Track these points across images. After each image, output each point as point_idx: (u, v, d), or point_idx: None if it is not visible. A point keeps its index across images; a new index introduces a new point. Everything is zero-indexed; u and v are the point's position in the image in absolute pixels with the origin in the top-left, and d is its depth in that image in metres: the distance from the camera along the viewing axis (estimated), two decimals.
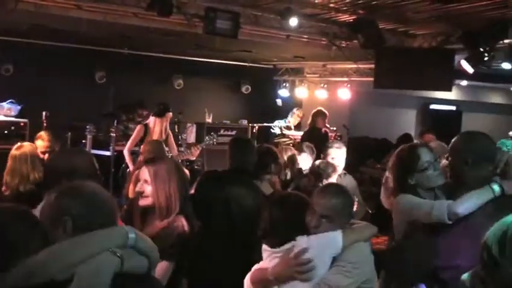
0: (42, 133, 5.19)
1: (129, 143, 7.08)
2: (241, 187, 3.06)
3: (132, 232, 1.89)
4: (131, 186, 4.32)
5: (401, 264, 2.80)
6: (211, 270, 2.83)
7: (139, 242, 1.90)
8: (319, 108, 8.79)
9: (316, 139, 7.50)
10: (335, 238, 2.53)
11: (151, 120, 7.14)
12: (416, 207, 2.79)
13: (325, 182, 4.40)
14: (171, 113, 7.34)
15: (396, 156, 3.05)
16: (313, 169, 4.73)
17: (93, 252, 1.80)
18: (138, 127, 7.26)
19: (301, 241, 2.54)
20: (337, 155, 5.02)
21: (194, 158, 7.75)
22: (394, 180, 3.02)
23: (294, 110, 10.41)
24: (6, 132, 7.75)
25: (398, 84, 7.85)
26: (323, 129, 8.48)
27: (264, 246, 2.64)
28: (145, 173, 3.06)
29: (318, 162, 4.85)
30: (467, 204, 2.66)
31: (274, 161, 4.35)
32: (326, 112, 8.56)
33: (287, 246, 2.55)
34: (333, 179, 4.62)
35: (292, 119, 10.19)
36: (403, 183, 2.91)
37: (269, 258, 2.60)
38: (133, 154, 6.95)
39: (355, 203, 4.32)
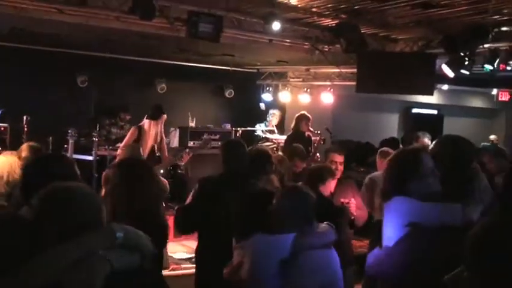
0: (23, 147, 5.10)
1: (122, 145, 6.76)
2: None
3: (120, 231, 1.89)
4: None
5: None
6: None
7: (128, 239, 1.90)
8: (303, 112, 8.81)
9: (299, 143, 7.51)
10: (285, 241, 2.52)
11: (146, 123, 6.99)
12: (421, 210, 2.68)
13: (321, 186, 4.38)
14: (165, 115, 7.21)
15: (397, 159, 2.90)
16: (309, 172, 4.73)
17: (81, 257, 1.80)
18: (132, 129, 7.09)
19: (248, 241, 2.56)
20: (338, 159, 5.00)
21: (183, 163, 7.71)
22: (389, 183, 2.85)
23: (270, 111, 10.44)
24: None
25: (381, 88, 7.91)
26: (306, 133, 8.50)
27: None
28: None
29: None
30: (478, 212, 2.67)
31: (269, 160, 4.36)
32: (309, 116, 8.58)
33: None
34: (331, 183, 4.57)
35: (274, 119, 10.21)
36: (400, 187, 2.75)
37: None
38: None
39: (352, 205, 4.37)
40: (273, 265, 2.56)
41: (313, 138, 8.58)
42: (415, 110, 14.18)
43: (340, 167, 4.90)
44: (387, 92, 8.94)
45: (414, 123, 13.82)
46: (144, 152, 6.37)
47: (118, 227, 1.93)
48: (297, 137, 8.24)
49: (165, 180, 5.48)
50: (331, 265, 2.79)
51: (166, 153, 7.24)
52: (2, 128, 7.91)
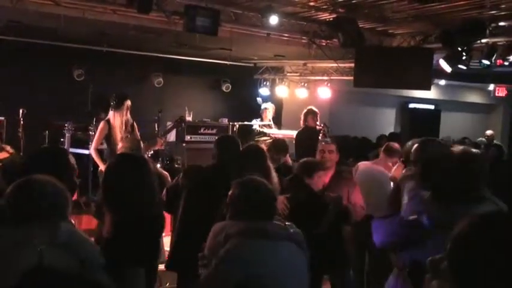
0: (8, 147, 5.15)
1: (94, 141, 6.67)
2: None
3: (66, 232, 1.93)
4: None
5: None
6: None
7: (71, 243, 1.92)
8: (309, 107, 8.78)
9: (310, 138, 7.52)
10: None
11: (111, 114, 6.61)
12: None
13: (308, 179, 4.36)
14: (129, 101, 6.90)
15: (466, 161, 2.79)
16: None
17: (15, 243, 1.86)
18: (101, 124, 6.72)
19: None
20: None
21: (161, 148, 7.59)
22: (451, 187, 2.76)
23: (262, 106, 10.36)
24: None
25: (378, 83, 7.91)
26: (317, 128, 8.45)
27: None
28: None
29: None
30: None
31: (261, 156, 4.34)
32: (316, 110, 8.54)
33: None
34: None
35: (268, 113, 10.14)
36: (471, 192, 2.69)
37: None
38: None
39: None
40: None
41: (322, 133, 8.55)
42: (412, 105, 14.19)
43: (330, 156, 4.74)
44: (384, 86, 8.95)
45: (411, 118, 13.84)
46: (117, 143, 6.16)
47: (66, 228, 1.95)
48: (307, 133, 8.23)
49: (165, 172, 5.48)
50: (277, 258, 2.75)
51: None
52: None
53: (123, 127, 6.58)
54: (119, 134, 6.48)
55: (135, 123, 6.80)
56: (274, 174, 4.08)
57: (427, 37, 7.40)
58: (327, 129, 9.08)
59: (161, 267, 4.18)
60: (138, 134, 6.88)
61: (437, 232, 2.51)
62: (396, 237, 2.90)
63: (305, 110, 8.71)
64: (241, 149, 4.32)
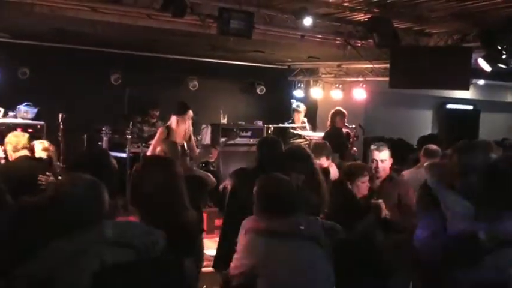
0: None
1: (151, 146, 6.84)
2: None
3: (109, 228, 2.00)
4: None
5: None
6: None
7: (119, 236, 2.00)
8: (337, 108, 8.73)
9: (337, 139, 7.47)
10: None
11: (173, 120, 6.83)
12: None
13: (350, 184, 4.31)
14: (191, 111, 7.13)
15: None
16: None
17: (72, 253, 1.93)
18: (160, 130, 7.00)
19: None
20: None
21: (213, 160, 7.72)
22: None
23: (293, 106, 10.29)
24: None
25: (414, 83, 7.77)
26: (344, 129, 8.38)
27: None
28: None
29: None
30: None
31: (300, 158, 4.31)
32: (344, 111, 8.48)
33: None
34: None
35: (299, 115, 10.08)
36: None
37: None
38: None
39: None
40: None
41: (351, 134, 8.49)
42: (449, 106, 13.92)
43: (382, 165, 4.58)
44: (421, 87, 8.80)
45: (449, 119, 13.58)
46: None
47: (108, 224, 2.02)
48: (334, 134, 8.18)
49: (207, 173, 5.52)
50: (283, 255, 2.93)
51: (196, 151, 7.22)
52: (38, 126, 8.08)
53: (184, 135, 6.76)
54: (178, 140, 6.58)
55: (192, 134, 7.00)
56: (321, 177, 4.01)
57: (465, 36, 7.24)
58: (362, 131, 9.01)
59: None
60: (194, 144, 7.02)
61: (495, 246, 2.45)
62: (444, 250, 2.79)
63: (332, 111, 8.66)
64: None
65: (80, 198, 2.13)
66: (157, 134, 6.93)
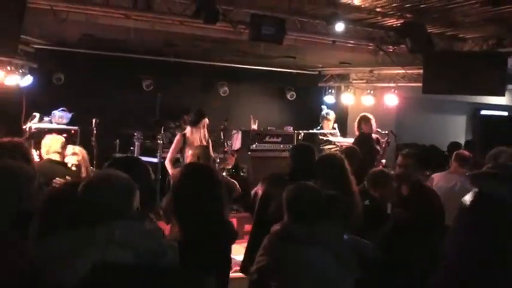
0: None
1: (169, 153, 7.07)
2: None
3: (121, 228, 2.05)
4: None
5: None
6: None
7: (126, 237, 2.04)
8: (362, 113, 8.64)
9: (365, 145, 7.39)
10: None
11: (188, 129, 7.10)
12: None
13: (373, 190, 4.27)
14: (206, 119, 7.23)
15: None
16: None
17: (74, 246, 2.02)
18: (177, 136, 7.23)
19: None
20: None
21: (230, 167, 7.76)
22: None
23: (323, 113, 10.22)
24: None
25: (448, 89, 7.65)
26: (373, 135, 8.26)
27: None
28: None
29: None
30: None
31: (326, 164, 4.28)
32: (369, 116, 8.36)
33: None
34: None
35: (328, 122, 10.02)
36: None
37: None
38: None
39: None
40: None
41: (381, 140, 8.37)
42: (484, 112, 13.65)
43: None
44: (455, 92, 8.64)
45: (483, 126, 13.31)
46: (187, 158, 6.45)
47: (120, 225, 2.07)
48: (362, 140, 8.08)
49: (233, 180, 5.56)
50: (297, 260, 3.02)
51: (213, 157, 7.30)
52: (73, 131, 8.22)
53: (199, 143, 6.85)
54: (192, 148, 6.69)
55: (210, 141, 7.06)
56: (354, 186, 3.96)
57: (500, 41, 7.11)
58: (394, 137, 8.89)
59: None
60: (211, 150, 7.09)
61: None
62: None
63: (358, 117, 8.57)
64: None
65: (110, 193, 2.17)
66: (175, 141, 7.13)
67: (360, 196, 4.16)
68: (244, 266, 4.21)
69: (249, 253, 4.21)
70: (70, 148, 5.41)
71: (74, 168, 5.16)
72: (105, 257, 2.00)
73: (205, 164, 4.25)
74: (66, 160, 5.24)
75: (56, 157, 5.22)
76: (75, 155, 5.31)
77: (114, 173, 2.33)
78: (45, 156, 5.25)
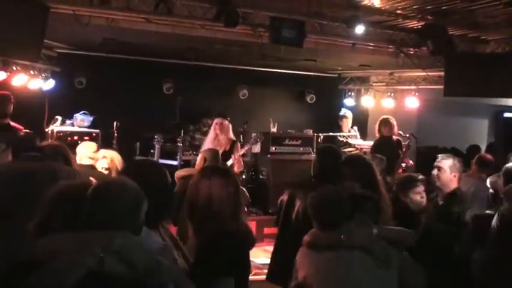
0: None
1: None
2: None
3: (121, 239, 2.03)
4: None
5: None
6: None
7: (124, 249, 2.01)
8: (382, 116, 8.59)
9: (384, 148, 7.35)
10: None
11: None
12: None
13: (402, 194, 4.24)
14: (219, 119, 7.39)
15: None
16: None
17: (74, 249, 2.01)
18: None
19: None
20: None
21: (240, 169, 7.83)
22: None
23: (341, 113, 10.19)
24: (79, 142, 8.02)
25: (470, 91, 7.55)
26: (395, 138, 8.20)
27: None
28: None
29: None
30: None
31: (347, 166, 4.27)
32: (389, 119, 8.31)
33: None
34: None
35: (349, 122, 9.98)
36: None
37: None
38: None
39: None
40: None
41: (403, 143, 8.32)
42: (507, 114, 13.46)
43: (436, 172, 4.54)
44: (477, 95, 8.53)
45: (506, 129, 13.13)
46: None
47: (120, 235, 2.05)
48: (382, 142, 8.04)
49: (243, 188, 5.59)
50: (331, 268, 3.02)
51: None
52: (94, 134, 8.31)
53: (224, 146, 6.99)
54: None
55: (237, 144, 7.24)
56: (382, 187, 3.89)
57: None
58: (415, 140, 8.83)
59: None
60: (237, 151, 7.18)
61: None
62: None
63: (378, 120, 8.53)
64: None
65: (114, 199, 2.15)
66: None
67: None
68: (271, 274, 4.18)
69: (275, 260, 4.19)
70: (101, 152, 5.48)
71: (105, 171, 5.20)
72: (100, 265, 1.98)
73: (222, 167, 4.25)
74: (97, 164, 5.30)
75: (88, 162, 5.28)
76: (104, 159, 5.37)
77: (124, 182, 2.30)
78: (78, 163, 5.32)
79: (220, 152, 6.73)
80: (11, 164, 3.69)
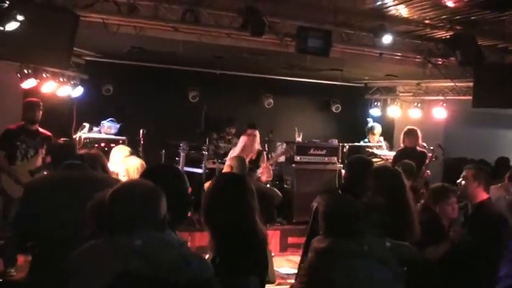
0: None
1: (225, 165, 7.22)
2: None
3: (140, 239, 2.06)
4: None
5: None
6: None
7: (146, 247, 2.04)
8: (407, 127, 8.48)
9: (406, 159, 7.24)
10: None
11: (240, 139, 7.31)
12: None
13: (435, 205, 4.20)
14: (253, 130, 7.43)
15: None
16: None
17: (100, 253, 2.09)
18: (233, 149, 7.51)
19: None
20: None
21: (268, 179, 7.82)
22: None
23: (369, 125, 10.12)
24: (106, 149, 8.12)
25: (499, 102, 7.42)
26: (418, 148, 8.08)
27: None
28: None
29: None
30: None
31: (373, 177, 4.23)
32: (413, 129, 8.18)
33: None
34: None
35: (375, 136, 9.89)
36: None
37: None
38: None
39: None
40: None
41: (428, 154, 8.19)
42: None
43: (461, 182, 4.52)
44: (506, 106, 8.36)
45: None
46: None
47: (141, 235, 2.07)
48: (405, 153, 7.93)
49: (273, 188, 5.61)
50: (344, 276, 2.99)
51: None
52: (121, 141, 8.37)
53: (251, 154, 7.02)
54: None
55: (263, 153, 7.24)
56: (410, 201, 3.81)
57: None
58: (442, 151, 8.70)
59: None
60: (263, 161, 7.21)
61: None
62: None
63: (403, 131, 8.42)
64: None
65: (128, 199, 2.16)
66: (231, 152, 7.31)
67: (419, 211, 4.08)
68: None
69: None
70: (124, 160, 5.52)
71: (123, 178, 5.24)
72: (126, 267, 2.01)
73: (237, 174, 4.26)
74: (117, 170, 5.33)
75: (114, 169, 5.32)
76: (123, 165, 5.42)
77: (138, 182, 2.34)
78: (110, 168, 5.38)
79: (247, 160, 6.74)
80: (56, 173, 3.72)
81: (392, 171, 4.06)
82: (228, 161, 6.09)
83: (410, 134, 8.06)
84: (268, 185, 8.53)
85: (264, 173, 7.34)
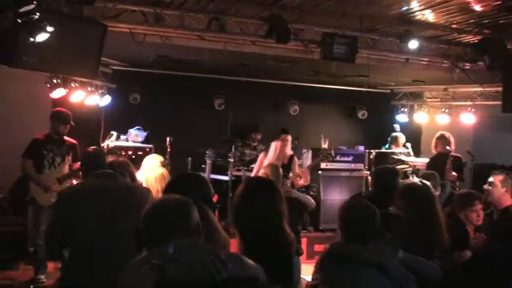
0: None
1: (254, 170, 7.40)
2: None
3: (172, 247, 2.13)
4: None
5: None
6: None
7: (179, 254, 2.11)
8: (440, 132, 8.36)
9: (438, 164, 7.15)
10: None
11: (272, 145, 7.30)
12: None
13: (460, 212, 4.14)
14: (286, 135, 7.42)
15: None
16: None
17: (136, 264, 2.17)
18: (261, 155, 7.54)
19: None
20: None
21: (307, 183, 7.79)
22: None
23: (393, 134, 10.05)
24: (133, 157, 8.21)
25: None
26: (453, 155, 7.95)
27: None
28: None
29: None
30: None
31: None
32: (445, 135, 8.06)
33: None
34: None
35: (398, 148, 9.82)
36: None
37: None
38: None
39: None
40: None
41: (463, 160, 8.06)
42: None
43: (488, 187, 4.56)
44: None
45: None
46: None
47: (172, 244, 2.14)
48: (436, 159, 7.83)
49: (306, 195, 5.63)
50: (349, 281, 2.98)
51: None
52: (148, 149, 8.46)
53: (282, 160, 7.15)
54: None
55: (295, 158, 7.40)
56: (440, 220, 3.69)
57: None
58: (471, 157, 8.56)
59: None
60: (295, 167, 7.22)
61: None
62: None
63: (435, 136, 8.31)
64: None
65: (164, 217, 2.25)
66: (258, 160, 7.48)
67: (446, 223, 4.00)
68: None
69: None
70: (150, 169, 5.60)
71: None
72: (162, 276, 2.06)
73: (265, 178, 4.25)
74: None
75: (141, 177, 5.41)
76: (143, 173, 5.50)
77: (168, 199, 2.43)
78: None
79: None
80: (88, 182, 3.77)
81: (422, 191, 3.89)
82: (262, 169, 6.08)
83: (439, 139, 7.96)
84: (303, 190, 8.52)
85: (302, 178, 7.32)
